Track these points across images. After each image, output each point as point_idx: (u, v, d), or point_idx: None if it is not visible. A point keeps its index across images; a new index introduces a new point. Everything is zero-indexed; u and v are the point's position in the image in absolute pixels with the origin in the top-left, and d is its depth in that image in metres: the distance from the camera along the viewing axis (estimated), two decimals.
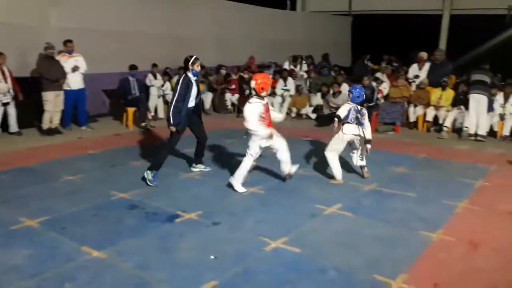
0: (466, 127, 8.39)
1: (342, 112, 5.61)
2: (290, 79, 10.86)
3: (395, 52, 13.19)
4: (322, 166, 6.37)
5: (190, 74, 5.51)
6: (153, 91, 10.03)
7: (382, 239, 4.08)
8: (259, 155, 5.40)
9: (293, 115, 10.49)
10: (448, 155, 7.34)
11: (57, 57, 8.26)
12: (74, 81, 8.43)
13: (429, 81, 9.36)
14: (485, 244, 3.98)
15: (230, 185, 5.30)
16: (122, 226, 4.26)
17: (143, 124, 8.83)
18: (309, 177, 5.91)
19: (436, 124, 9.02)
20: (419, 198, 5.17)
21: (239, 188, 5.25)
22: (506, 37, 14.06)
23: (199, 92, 5.76)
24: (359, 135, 5.59)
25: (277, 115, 5.61)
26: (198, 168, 6.15)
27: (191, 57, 5.53)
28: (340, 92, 9.65)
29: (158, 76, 10.28)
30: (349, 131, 5.57)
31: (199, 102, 5.90)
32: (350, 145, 5.78)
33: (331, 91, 9.89)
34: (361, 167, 5.89)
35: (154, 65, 10.14)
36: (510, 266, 3.59)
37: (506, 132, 8.29)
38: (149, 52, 10.38)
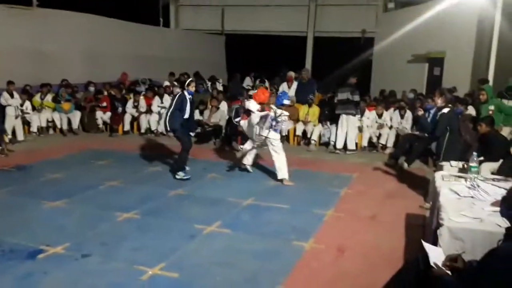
0: (333, 141, 9.08)
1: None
2: (166, 96, 10.67)
3: (266, 70, 13.87)
4: (201, 185, 6.36)
5: (186, 93, 6.48)
6: (10, 111, 8.99)
7: (259, 253, 4.17)
8: None
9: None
10: (317, 166, 7.88)
11: None
12: None
13: (297, 99, 10.01)
14: (351, 249, 4.32)
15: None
16: None
17: None
18: (188, 196, 5.83)
19: (305, 138, 9.65)
20: (292, 209, 5.42)
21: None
22: (362, 58, 15.80)
23: (191, 109, 6.70)
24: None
25: None
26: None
27: (187, 79, 7.06)
28: (218, 108, 9.77)
29: (16, 94, 9.25)
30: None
31: (191, 118, 6.77)
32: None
33: (209, 108, 9.94)
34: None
35: (10, 83, 9.11)
36: (374, 268, 3.92)
37: (364, 143, 9.22)
38: (5, 69, 9.33)
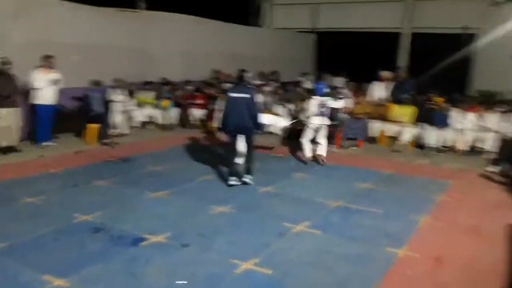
0: (429, 144, 8.65)
1: (311, 110, 7.39)
2: (259, 95, 10.87)
3: (358, 69, 13.53)
4: (290, 183, 6.43)
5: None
6: (117, 107, 9.81)
7: (350, 257, 4.13)
8: None
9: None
10: (411, 170, 7.55)
11: (37, 71, 7.96)
12: (50, 96, 8.13)
13: (392, 98, 9.66)
14: (448, 260, 4.10)
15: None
16: (85, 251, 4.10)
17: (107, 141, 8.61)
18: (277, 194, 5.93)
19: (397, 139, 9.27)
20: (384, 214, 5.27)
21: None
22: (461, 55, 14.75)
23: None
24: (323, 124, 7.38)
25: None
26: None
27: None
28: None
29: (122, 91, 10.08)
30: (314, 121, 7.35)
31: None
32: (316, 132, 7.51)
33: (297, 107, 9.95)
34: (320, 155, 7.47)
35: (118, 80, 9.94)
36: (474, 282, 3.71)
37: (464, 147, 8.62)
38: (112, 67, 10.17)
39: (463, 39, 15.50)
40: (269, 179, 6.54)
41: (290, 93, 11.34)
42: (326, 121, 7.41)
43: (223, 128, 6.34)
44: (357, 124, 9.53)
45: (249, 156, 6.26)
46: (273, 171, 7.11)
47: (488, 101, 9.41)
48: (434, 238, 4.64)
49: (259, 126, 6.34)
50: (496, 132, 8.42)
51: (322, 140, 7.57)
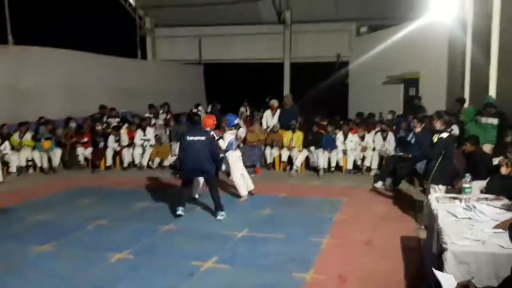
0: (319, 166, 9.14)
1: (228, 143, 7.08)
2: (149, 129, 10.57)
3: (248, 98, 13.96)
4: (192, 218, 6.24)
5: None
6: None
7: (260, 287, 4.08)
8: None
9: (155, 165, 10.16)
10: (305, 191, 7.87)
11: None
12: None
13: (280, 125, 10.08)
14: (350, 277, 4.27)
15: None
16: None
17: None
18: (180, 232, 5.70)
19: (291, 164, 9.66)
20: (288, 239, 5.36)
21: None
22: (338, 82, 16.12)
23: None
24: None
25: None
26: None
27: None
28: None
29: None
30: (237, 154, 7.18)
31: None
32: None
33: None
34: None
35: None
36: None
37: (349, 166, 9.29)
38: None
39: (338, 67, 16.99)
40: (170, 216, 6.30)
41: (183, 125, 11.20)
42: (239, 152, 7.36)
43: (180, 170, 6.53)
44: (253, 151, 9.73)
45: (213, 194, 6.28)
46: (173, 207, 6.85)
47: (366, 123, 10.29)
48: (336, 257, 4.81)
49: (219, 166, 6.54)
50: (376, 150, 9.23)
51: (245, 172, 7.43)
